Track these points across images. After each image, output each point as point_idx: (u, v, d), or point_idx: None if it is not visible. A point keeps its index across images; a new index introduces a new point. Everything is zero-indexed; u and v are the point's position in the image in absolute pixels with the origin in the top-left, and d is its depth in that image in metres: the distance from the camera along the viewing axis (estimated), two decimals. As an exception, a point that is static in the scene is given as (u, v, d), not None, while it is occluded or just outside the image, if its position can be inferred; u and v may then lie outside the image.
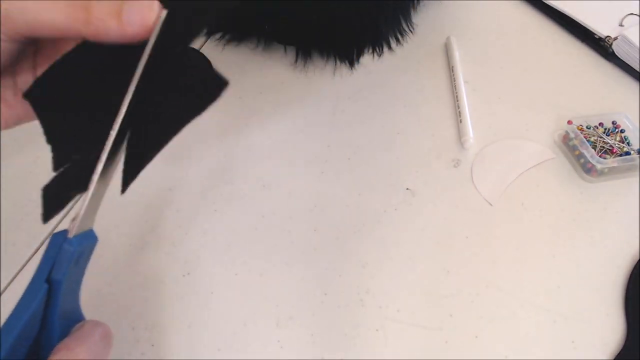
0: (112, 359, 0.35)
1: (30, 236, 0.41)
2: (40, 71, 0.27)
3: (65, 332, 0.26)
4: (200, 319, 0.38)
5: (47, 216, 0.27)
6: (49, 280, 0.25)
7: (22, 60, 0.29)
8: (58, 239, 0.25)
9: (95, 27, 0.23)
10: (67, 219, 0.27)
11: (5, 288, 0.38)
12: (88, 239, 0.27)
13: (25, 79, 0.29)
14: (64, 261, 0.25)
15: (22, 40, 0.25)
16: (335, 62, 0.53)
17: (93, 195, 0.26)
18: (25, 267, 0.39)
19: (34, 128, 0.47)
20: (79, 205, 0.26)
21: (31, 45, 0.27)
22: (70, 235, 0.25)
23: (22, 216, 0.42)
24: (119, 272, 0.39)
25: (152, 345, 0.36)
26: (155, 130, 0.27)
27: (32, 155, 0.45)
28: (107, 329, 0.27)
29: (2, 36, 0.24)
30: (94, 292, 0.38)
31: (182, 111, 0.27)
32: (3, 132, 0.46)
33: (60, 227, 0.42)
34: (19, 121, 0.29)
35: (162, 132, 0.27)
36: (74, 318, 0.27)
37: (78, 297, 0.28)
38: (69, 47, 0.26)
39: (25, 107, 0.28)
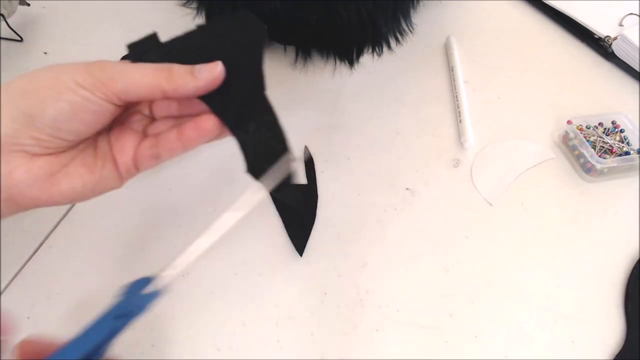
0: (112, 358, 0.36)
1: (30, 236, 0.41)
2: (115, 134, 0.33)
3: None
4: (200, 319, 0.38)
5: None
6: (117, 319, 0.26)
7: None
8: (141, 286, 0.28)
9: (176, 83, 0.30)
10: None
11: (5, 288, 0.38)
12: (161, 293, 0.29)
13: (104, 144, 0.33)
14: (137, 309, 0.27)
15: (117, 103, 0.30)
16: (335, 61, 0.53)
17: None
18: (25, 267, 0.39)
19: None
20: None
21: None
22: (157, 287, 0.29)
23: (22, 216, 0.42)
24: (118, 272, 0.39)
25: (152, 345, 0.36)
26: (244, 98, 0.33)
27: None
28: None
29: (104, 97, 0.29)
30: (94, 292, 0.38)
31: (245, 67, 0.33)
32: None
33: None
34: (95, 187, 0.32)
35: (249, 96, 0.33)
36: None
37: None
38: (137, 116, 0.34)
39: (101, 172, 0.32)
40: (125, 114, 0.34)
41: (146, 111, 0.35)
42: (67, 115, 0.28)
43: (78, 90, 0.28)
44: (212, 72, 0.31)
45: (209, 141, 0.33)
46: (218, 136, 0.33)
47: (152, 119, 0.35)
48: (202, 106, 0.32)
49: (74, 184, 0.30)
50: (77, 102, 0.28)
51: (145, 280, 0.28)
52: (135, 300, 0.27)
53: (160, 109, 0.35)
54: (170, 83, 0.30)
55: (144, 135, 0.34)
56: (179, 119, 0.35)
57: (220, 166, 0.46)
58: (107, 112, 0.30)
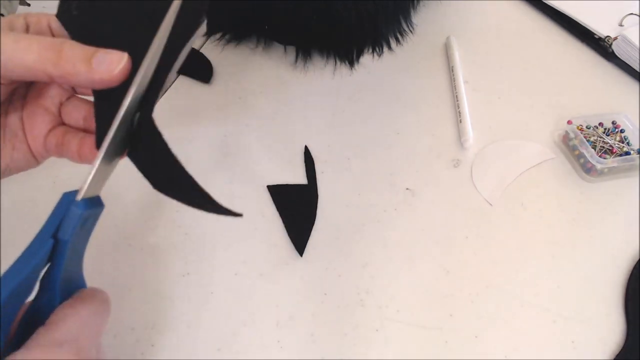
0: (112, 359, 0.36)
1: (30, 236, 0.41)
2: (27, 113, 0.29)
3: (66, 297, 0.26)
4: (200, 319, 0.38)
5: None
6: (55, 238, 0.25)
7: (11, 102, 0.29)
8: (67, 199, 0.25)
9: (64, 69, 0.24)
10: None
11: (5, 288, 0.38)
12: (95, 205, 0.26)
13: (15, 121, 0.29)
14: (70, 222, 0.25)
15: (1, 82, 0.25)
16: (335, 62, 0.53)
17: (103, 161, 0.26)
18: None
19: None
20: (88, 168, 0.26)
21: (19, 88, 0.28)
22: (79, 197, 0.25)
23: (22, 216, 0.42)
24: (118, 272, 0.39)
25: (152, 345, 0.36)
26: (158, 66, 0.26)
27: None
28: (106, 295, 0.27)
29: None
30: (94, 292, 0.38)
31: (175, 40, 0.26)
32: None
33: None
34: (7, 171, 0.29)
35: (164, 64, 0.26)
36: (76, 285, 0.27)
37: (81, 265, 0.27)
38: (52, 90, 0.30)
39: (12, 155, 0.29)
40: (40, 85, 0.30)
41: None
42: None
43: None
44: (113, 65, 0.24)
45: None
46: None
47: (70, 91, 0.31)
48: None
49: None
50: None
51: (71, 194, 0.25)
52: (65, 212, 0.25)
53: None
54: (57, 68, 0.24)
55: (58, 116, 0.31)
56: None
57: (221, 166, 0.46)
58: None
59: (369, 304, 0.39)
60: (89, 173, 0.25)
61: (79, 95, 0.31)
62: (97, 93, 0.27)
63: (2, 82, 0.26)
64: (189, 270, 0.40)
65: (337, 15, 0.47)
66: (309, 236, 0.42)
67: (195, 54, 0.52)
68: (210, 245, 0.41)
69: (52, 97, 0.30)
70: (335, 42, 0.52)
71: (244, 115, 0.50)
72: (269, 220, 0.43)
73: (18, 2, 0.52)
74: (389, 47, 0.53)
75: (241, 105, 0.51)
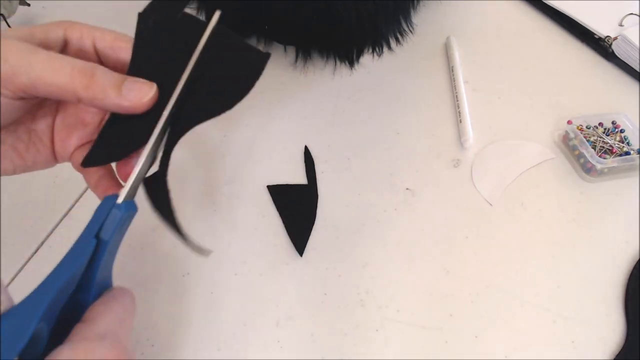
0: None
1: (30, 236, 0.41)
2: (62, 121, 0.31)
3: (97, 295, 0.27)
4: (200, 319, 0.38)
5: (87, 162, 0.29)
6: (97, 238, 0.26)
7: (41, 108, 0.30)
8: (109, 202, 0.27)
9: (94, 94, 0.25)
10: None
11: (6, 287, 0.38)
12: (132, 208, 0.28)
13: (44, 127, 0.30)
14: (112, 224, 0.26)
15: (25, 97, 0.26)
16: (335, 62, 0.53)
17: (142, 167, 0.28)
18: (25, 267, 0.39)
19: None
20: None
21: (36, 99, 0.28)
22: (119, 200, 0.27)
23: (22, 216, 0.42)
24: (119, 272, 0.39)
25: (152, 345, 0.36)
26: (198, 106, 0.29)
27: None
28: (133, 293, 0.29)
29: (9, 94, 0.25)
30: (94, 292, 0.38)
31: (229, 87, 0.29)
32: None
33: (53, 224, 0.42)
34: (26, 170, 0.31)
35: (208, 107, 0.29)
36: (105, 284, 0.28)
37: (111, 267, 0.29)
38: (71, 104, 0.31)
39: (34, 158, 0.30)
40: None
41: None
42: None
43: None
44: (142, 94, 0.26)
45: None
46: None
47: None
48: None
49: (5, 167, 0.29)
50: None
51: (113, 197, 0.27)
52: (107, 214, 0.27)
53: None
54: (88, 92, 0.25)
55: (94, 133, 0.31)
56: None
57: (221, 166, 0.46)
58: (16, 107, 0.27)
59: (369, 304, 0.39)
60: (130, 178, 0.27)
61: None
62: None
63: (25, 97, 0.26)
64: (189, 270, 0.40)
65: (337, 15, 0.47)
66: (309, 236, 0.42)
67: None
68: (210, 245, 0.41)
69: (93, 113, 0.31)
70: (335, 42, 0.52)
71: (244, 115, 0.50)
72: (269, 220, 0.43)
73: (18, 2, 0.52)
74: (389, 47, 0.53)
75: (241, 105, 0.51)
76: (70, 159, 0.31)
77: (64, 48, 0.29)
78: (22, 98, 0.26)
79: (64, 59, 0.26)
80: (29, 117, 0.30)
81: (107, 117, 0.29)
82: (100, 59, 0.30)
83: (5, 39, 0.25)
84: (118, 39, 0.29)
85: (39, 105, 0.30)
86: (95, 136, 0.30)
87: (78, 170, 0.31)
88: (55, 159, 0.31)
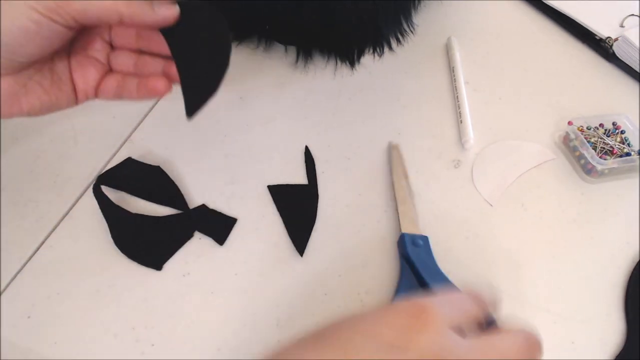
0: (112, 359, 0.36)
1: (30, 236, 0.41)
2: (76, 62, 0.36)
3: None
4: (200, 319, 0.38)
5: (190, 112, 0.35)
6: (404, 257, 0.40)
7: (57, 52, 0.34)
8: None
9: (134, 10, 0.31)
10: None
11: (5, 288, 0.38)
12: (415, 237, 0.41)
13: (62, 67, 0.35)
14: (405, 244, 0.40)
15: (72, 25, 0.31)
16: (336, 62, 0.53)
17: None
18: (25, 267, 0.39)
19: (35, 128, 0.47)
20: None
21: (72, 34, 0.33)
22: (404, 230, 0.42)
23: (22, 216, 0.42)
24: (118, 272, 0.39)
25: (152, 345, 0.36)
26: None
27: (32, 155, 0.45)
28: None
29: (60, 20, 0.30)
30: (94, 292, 0.38)
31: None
32: (3, 132, 0.46)
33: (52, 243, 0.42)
34: (51, 107, 0.35)
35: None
36: (440, 278, 0.39)
37: (436, 267, 0.40)
38: (97, 43, 0.36)
39: (58, 94, 0.35)
40: (85, 39, 0.36)
41: (106, 36, 0.37)
42: (21, 41, 0.30)
43: (33, 14, 0.29)
44: (170, 10, 0.33)
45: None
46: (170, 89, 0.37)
47: (112, 46, 0.37)
48: (159, 47, 0.36)
49: (33, 103, 0.34)
50: (31, 28, 0.29)
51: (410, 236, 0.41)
52: (411, 248, 0.40)
53: (119, 38, 0.37)
54: (129, 8, 0.31)
55: (107, 66, 0.37)
56: (139, 54, 0.37)
57: (220, 166, 0.46)
58: (61, 35, 0.31)
59: (369, 304, 0.39)
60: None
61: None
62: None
63: (74, 26, 0.31)
64: (189, 270, 0.40)
65: (338, 16, 0.47)
66: (309, 236, 0.42)
67: None
68: (210, 245, 0.41)
69: (99, 50, 0.37)
70: (336, 42, 0.52)
71: (244, 115, 0.50)
72: (269, 220, 0.43)
73: None
74: (390, 48, 0.53)
75: (241, 105, 0.51)
76: (96, 95, 0.37)
77: None
78: (69, 27, 0.31)
79: None
80: (48, 58, 0.34)
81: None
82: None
83: None
84: None
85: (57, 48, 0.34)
86: (107, 67, 0.37)
87: (114, 96, 0.37)
88: (76, 96, 0.36)
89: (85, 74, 0.36)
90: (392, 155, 0.47)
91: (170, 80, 0.36)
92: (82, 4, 0.30)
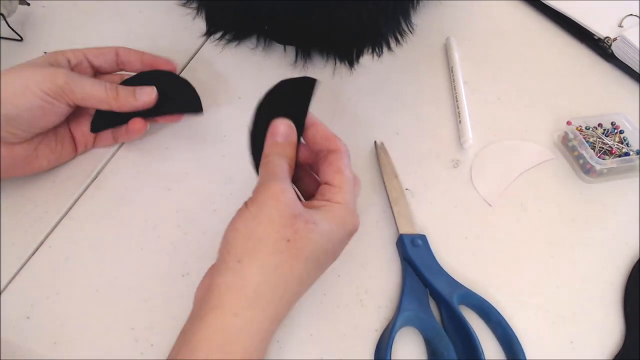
0: (112, 359, 0.36)
1: (30, 236, 0.41)
2: (75, 120, 0.44)
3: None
4: (200, 319, 0.38)
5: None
6: (405, 259, 0.41)
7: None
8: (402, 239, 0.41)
9: (121, 102, 0.40)
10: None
11: (5, 288, 0.38)
12: (414, 237, 0.41)
13: (63, 127, 0.43)
14: (404, 246, 0.41)
15: (73, 106, 0.39)
16: (335, 62, 0.53)
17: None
18: (25, 267, 0.39)
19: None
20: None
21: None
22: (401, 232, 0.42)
23: (22, 216, 0.42)
24: (118, 272, 0.39)
25: (152, 345, 0.36)
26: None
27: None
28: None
29: (64, 102, 0.38)
30: (94, 292, 0.38)
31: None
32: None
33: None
34: (56, 163, 0.43)
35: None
36: (442, 276, 0.39)
37: (438, 265, 0.40)
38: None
39: (61, 151, 0.43)
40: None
41: None
42: (37, 116, 0.37)
43: (46, 97, 0.37)
44: (149, 97, 0.42)
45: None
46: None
47: None
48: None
49: (41, 163, 0.41)
50: (45, 107, 0.37)
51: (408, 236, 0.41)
52: (411, 249, 0.40)
53: None
54: (117, 102, 0.40)
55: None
56: None
57: (221, 166, 0.46)
58: (65, 111, 0.39)
59: (368, 304, 0.39)
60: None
61: None
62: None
63: (74, 106, 0.40)
64: (189, 270, 0.40)
65: (337, 16, 0.47)
66: None
67: (178, 85, 0.47)
68: (210, 245, 0.41)
69: (91, 108, 0.43)
70: (335, 43, 0.52)
71: (244, 116, 0.50)
72: (268, 221, 0.43)
73: (18, 1, 0.52)
74: (389, 48, 0.53)
75: (241, 105, 0.51)
76: (95, 144, 0.45)
77: (69, 64, 0.42)
78: (71, 107, 0.39)
79: (99, 82, 0.40)
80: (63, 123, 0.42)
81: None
82: (90, 64, 0.43)
83: (56, 68, 0.39)
84: (99, 51, 0.44)
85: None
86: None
87: (113, 141, 0.46)
88: (76, 149, 0.44)
89: (82, 129, 0.43)
90: (379, 155, 0.47)
91: (145, 121, 0.43)
92: (81, 94, 0.38)
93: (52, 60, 0.40)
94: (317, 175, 0.37)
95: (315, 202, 0.34)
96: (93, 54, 0.43)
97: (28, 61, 0.40)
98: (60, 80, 0.37)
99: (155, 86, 0.43)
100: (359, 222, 0.34)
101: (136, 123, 0.43)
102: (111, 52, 0.44)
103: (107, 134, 0.45)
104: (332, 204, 0.33)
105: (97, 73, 0.45)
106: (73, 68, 0.42)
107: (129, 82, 0.44)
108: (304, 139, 0.37)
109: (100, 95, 0.39)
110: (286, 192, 0.32)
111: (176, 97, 0.45)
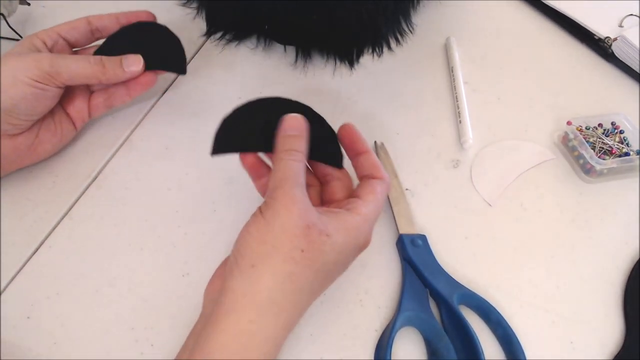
0: (112, 359, 0.36)
1: (30, 236, 0.41)
2: (66, 99, 0.43)
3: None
4: (200, 319, 0.38)
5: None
6: (405, 260, 0.40)
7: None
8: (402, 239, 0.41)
9: (109, 75, 0.40)
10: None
11: (5, 288, 0.38)
12: (414, 237, 0.41)
13: (58, 109, 0.43)
14: (404, 246, 0.40)
15: (63, 87, 0.40)
16: (335, 62, 0.53)
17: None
18: (25, 267, 0.39)
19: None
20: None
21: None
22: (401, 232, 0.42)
23: (21, 216, 0.42)
24: (118, 272, 0.40)
25: (152, 345, 0.36)
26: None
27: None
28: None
29: (54, 85, 0.39)
30: (93, 292, 0.38)
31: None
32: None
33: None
34: (61, 144, 0.44)
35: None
36: (443, 277, 0.39)
37: (438, 265, 0.40)
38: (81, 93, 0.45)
39: (62, 132, 0.43)
40: None
41: None
42: (33, 103, 0.38)
43: (36, 84, 0.37)
44: (137, 66, 0.42)
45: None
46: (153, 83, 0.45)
47: None
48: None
49: (46, 148, 0.42)
50: (37, 93, 0.38)
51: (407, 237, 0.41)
52: (411, 249, 0.40)
53: None
54: (105, 75, 0.40)
55: (89, 91, 0.45)
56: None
57: (220, 166, 0.46)
58: (57, 93, 0.40)
59: (368, 304, 0.39)
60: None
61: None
62: None
63: (62, 87, 0.40)
64: (189, 270, 0.40)
65: (337, 16, 0.47)
66: None
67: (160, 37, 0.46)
68: (210, 245, 0.41)
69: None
70: (335, 42, 0.52)
71: (244, 116, 0.50)
72: (268, 221, 0.43)
73: (18, 1, 0.52)
74: (389, 48, 0.53)
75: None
76: (90, 116, 0.45)
77: (46, 46, 0.41)
78: (62, 88, 0.40)
79: (83, 58, 0.40)
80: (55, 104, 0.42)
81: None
82: (65, 41, 0.43)
83: (39, 53, 0.40)
84: (70, 26, 0.43)
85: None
86: (88, 90, 0.45)
87: (106, 107, 0.45)
88: (75, 126, 0.44)
89: (76, 105, 0.44)
90: (379, 155, 0.47)
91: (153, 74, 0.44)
92: (67, 74, 0.39)
93: (30, 45, 0.40)
94: (351, 191, 0.38)
95: (334, 209, 0.34)
96: (65, 30, 0.42)
97: (8, 51, 0.40)
98: (45, 65, 0.37)
99: (138, 41, 0.42)
100: (370, 239, 0.35)
101: (147, 75, 0.43)
102: (82, 22, 0.43)
103: (99, 102, 0.44)
104: (351, 213, 0.33)
105: (74, 48, 0.44)
106: (50, 49, 0.41)
107: (110, 42, 0.43)
108: (353, 163, 0.38)
109: (87, 71, 0.39)
110: (301, 199, 0.31)
111: (159, 51, 0.43)
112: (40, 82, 0.37)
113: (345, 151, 0.38)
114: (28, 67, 0.37)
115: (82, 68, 0.39)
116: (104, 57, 0.40)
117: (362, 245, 0.34)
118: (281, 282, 0.29)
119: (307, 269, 0.30)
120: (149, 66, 0.43)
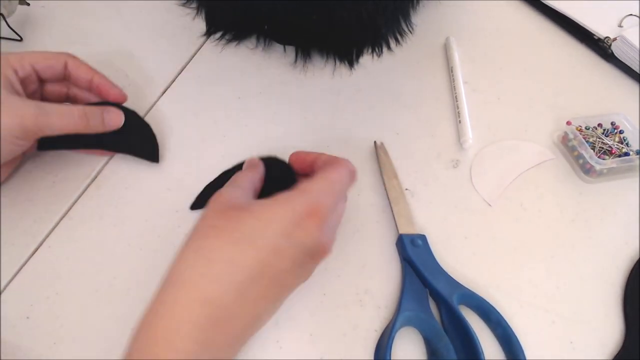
0: (112, 358, 0.36)
1: (29, 236, 0.41)
2: None
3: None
4: (200, 319, 0.37)
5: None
6: (405, 260, 0.41)
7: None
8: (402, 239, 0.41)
9: (91, 128, 0.41)
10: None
11: (5, 288, 0.38)
12: (414, 237, 0.41)
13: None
14: (404, 246, 0.41)
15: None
16: (335, 62, 0.53)
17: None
18: (25, 267, 0.39)
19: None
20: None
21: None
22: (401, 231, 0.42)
23: (21, 216, 0.42)
24: (118, 272, 0.39)
25: (152, 345, 0.36)
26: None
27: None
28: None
29: (37, 137, 0.39)
30: (93, 292, 0.38)
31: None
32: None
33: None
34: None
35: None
36: (442, 277, 0.39)
37: (438, 266, 0.40)
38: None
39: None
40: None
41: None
42: (9, 154, 0.39)
43: (17, 142, 0.38)
44: (117, 122, 0.43)
45: None
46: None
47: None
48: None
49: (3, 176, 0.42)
50: (20, 147, 0.39)
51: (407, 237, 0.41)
52: (411, 249, 0.40)
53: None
54: (87, 128, 0.41)
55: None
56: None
57: (221, 166, 0.46)
58: (34, 140, 0.40)
59: (368, 304, 0.39)
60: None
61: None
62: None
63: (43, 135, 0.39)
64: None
65: (337, 16, 0.47)
66: None
67: (137, 128, 0.46)
68: (209, 245, 0.41)
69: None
70: (335, 42, 0.52)
71: (243, 116, 0.50)
72: (268, 221, 0.43)
73: (17, 2, 0.52)
74: (389, 48, 0.53)
75: (240, 105, 0.51)
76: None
77: (17, 76, 0.40)
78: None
79: (68, 112, 0.40)
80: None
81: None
82: (38, 78, 0.42)
83: (22, 106, 0.38)
84: (47, 62, 0.42)
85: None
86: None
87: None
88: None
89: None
90: (379, 155, 0.47)
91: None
92: (50, 130, 0.39)
93: (2, 75, 0.39)
94: None
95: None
96: (41, 66, 0.42)
97: None
98: (28, 123, 0.37)
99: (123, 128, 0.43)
100: (327, 241, 0.34)
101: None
102: (60, 62, 0.43)
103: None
104: (290, 190, 0.34)
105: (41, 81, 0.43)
106: (22, 81, 0.41)
107: None
108: (310, 172, 0.39)
109: (69, 127, 0.40)
110: (227, 192, 0.34)
111: (132, 136, 0.44)
112: (21, 139, 0.38)
113: (304, 171, 0.40)
114: (11, 126, 0.37)
115: (66, 125, 0.39)
116: (87, 111, 0.40)
117: (304, 215, 0.32)
118: (187, 256, 0.33)
119: (216, 238, 0.32)
120: (120, 148, 0.44)
